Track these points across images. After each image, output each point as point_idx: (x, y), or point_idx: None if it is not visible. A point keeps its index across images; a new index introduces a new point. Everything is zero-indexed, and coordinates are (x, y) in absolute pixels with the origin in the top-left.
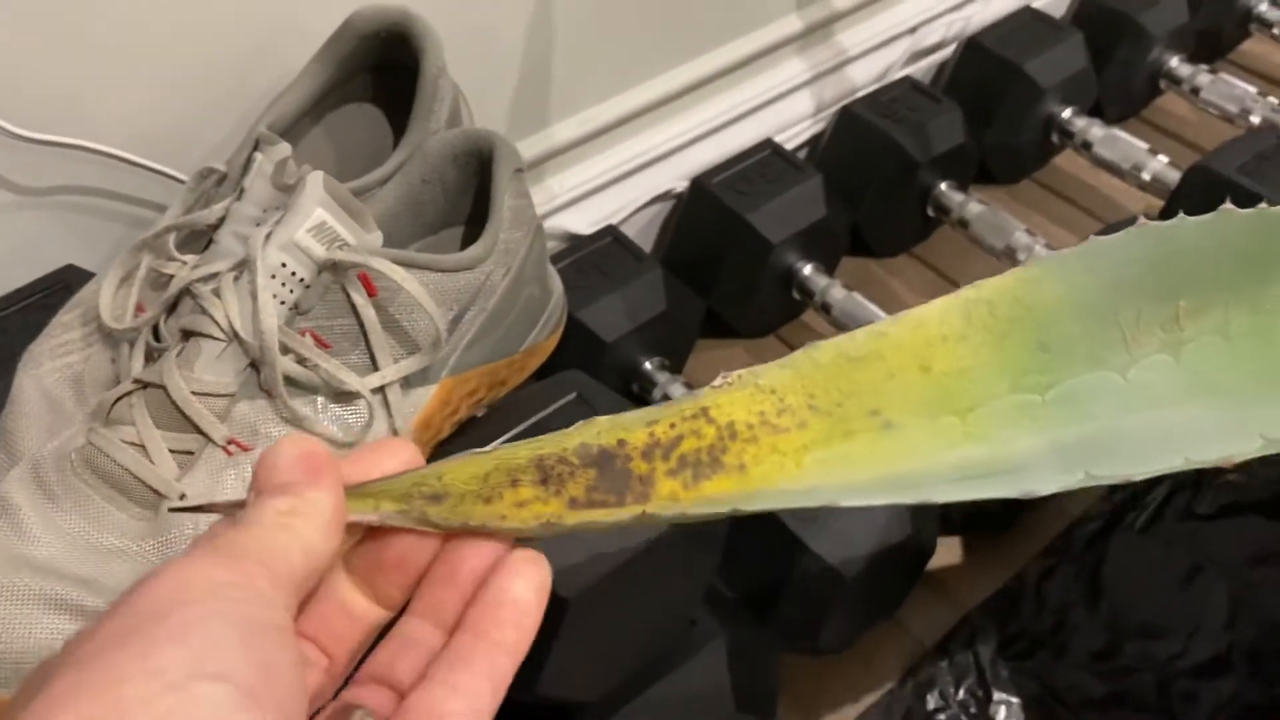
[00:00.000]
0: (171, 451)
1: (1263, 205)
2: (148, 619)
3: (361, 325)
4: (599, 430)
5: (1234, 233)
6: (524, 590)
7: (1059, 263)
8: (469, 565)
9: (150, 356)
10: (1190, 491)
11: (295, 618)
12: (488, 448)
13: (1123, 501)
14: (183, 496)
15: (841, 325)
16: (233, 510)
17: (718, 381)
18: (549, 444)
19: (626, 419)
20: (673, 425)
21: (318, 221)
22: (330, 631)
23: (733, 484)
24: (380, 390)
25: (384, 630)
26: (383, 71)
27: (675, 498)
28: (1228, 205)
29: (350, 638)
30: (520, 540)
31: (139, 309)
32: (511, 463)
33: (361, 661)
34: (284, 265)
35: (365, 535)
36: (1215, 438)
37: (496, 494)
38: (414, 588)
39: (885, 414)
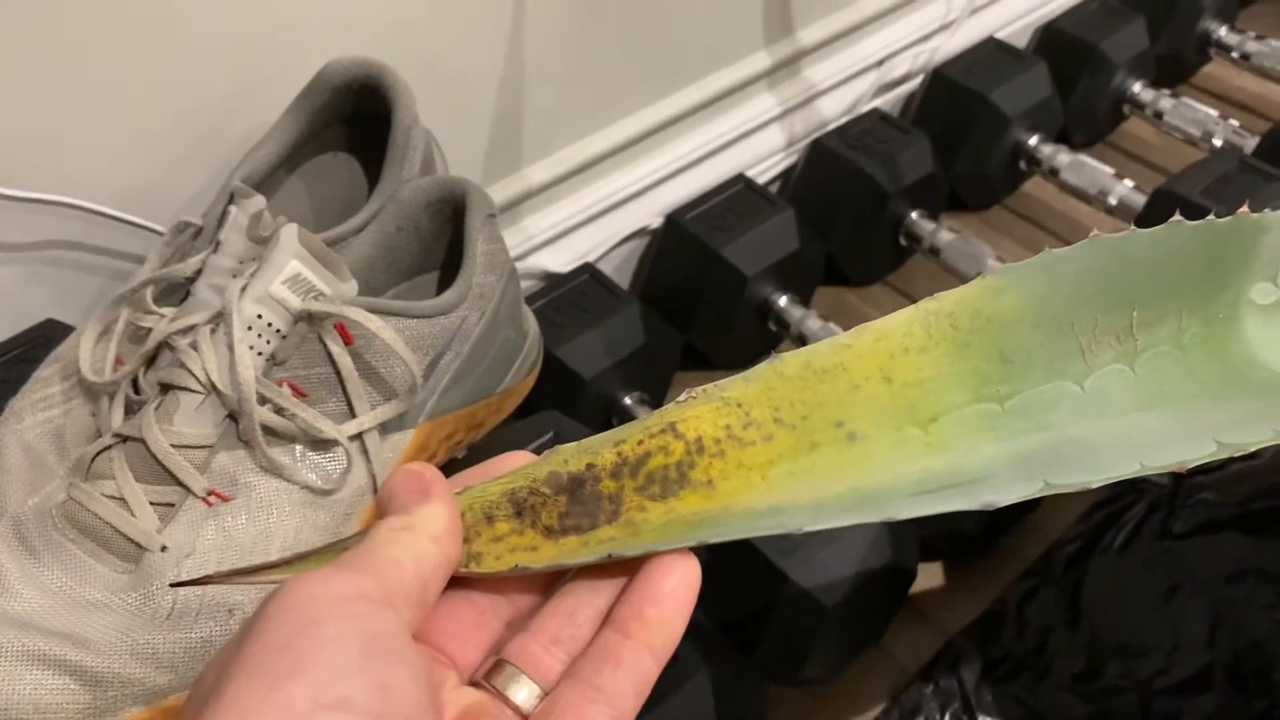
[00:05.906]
0: (152, 504)
1: (1211, 217)
2: (273, 650)
3: (338, 373)
4: (566, 457)
5: (1184, 244)
6: (674, 587)
7: (1018, 274)
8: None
9: (130, 409)
10: (1166, 511)
11: (420, 626)
12: (458, 488)
13: (1100, 523)
14: (164, 549)
15: None
16: (234, 580)
17: (682, 397)
18: (519, 477)
19: (593, 442)
20: (640, 442)
21: (292, 273)
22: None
23: (700, 500)
24: (358, 437)
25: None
26: (356, 121)
27: (645, 513)
28: (1177, 217)
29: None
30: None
31: (118, 362)
32: (484, 500)
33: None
34: (260, 317)
35: None
36: (1170, 443)
37: (474, 532)
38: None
39: (850, 425)
